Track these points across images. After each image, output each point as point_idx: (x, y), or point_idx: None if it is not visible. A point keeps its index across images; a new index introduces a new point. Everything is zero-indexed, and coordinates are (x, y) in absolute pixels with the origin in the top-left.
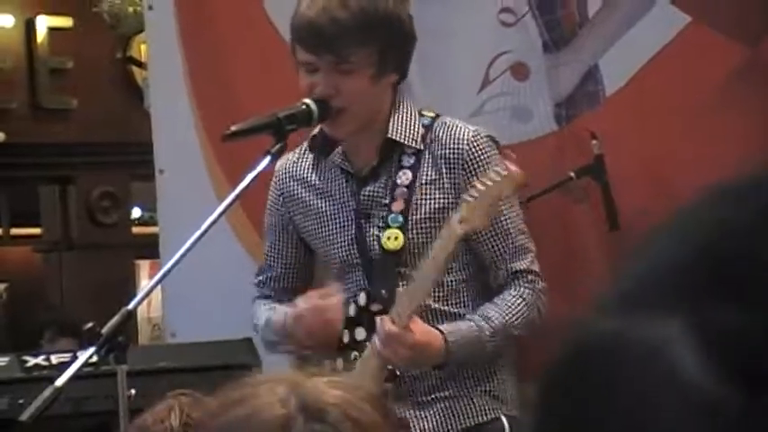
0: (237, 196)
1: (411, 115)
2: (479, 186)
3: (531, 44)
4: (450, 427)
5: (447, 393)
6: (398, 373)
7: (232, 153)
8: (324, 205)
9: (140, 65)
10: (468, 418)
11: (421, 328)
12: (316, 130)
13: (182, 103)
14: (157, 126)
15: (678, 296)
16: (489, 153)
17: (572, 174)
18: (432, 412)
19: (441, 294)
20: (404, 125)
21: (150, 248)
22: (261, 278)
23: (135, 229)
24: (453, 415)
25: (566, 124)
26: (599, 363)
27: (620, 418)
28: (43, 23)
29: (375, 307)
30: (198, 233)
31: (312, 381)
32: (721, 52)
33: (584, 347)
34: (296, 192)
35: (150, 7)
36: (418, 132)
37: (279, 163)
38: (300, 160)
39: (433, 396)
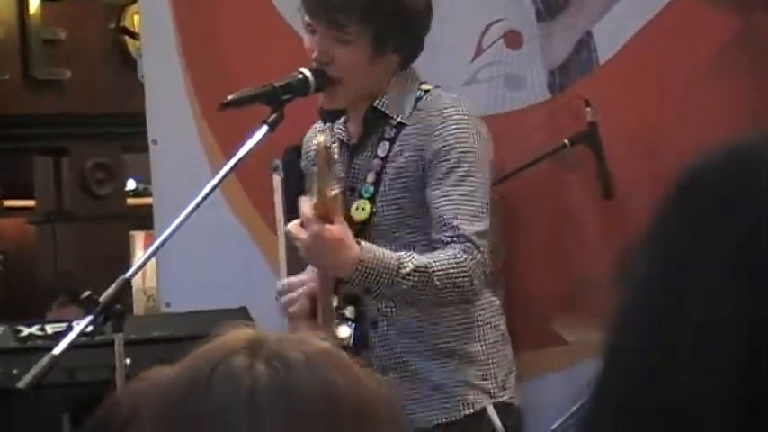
0: (234, 167)
1: (407, 90)
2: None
3: (525, 12)
4: (426, 421)
5: (416, 371)
6: (350, 342)
7: (225, 123)
8: None
9: (133, 35)
10: (446, 411)
11: (340, 225)
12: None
13: (175, 73)
14: (151, 97)
15: None
16: (456, 125)
17: (566, 141)
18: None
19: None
20: (395, 98)
21: (145, 220)
22: None
23: (129, 201)
24: (430, 408)
25: (559, 92)
26: (745, 163)
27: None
28: None
29: None
30: (194, 203)
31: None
32: (714, 21)
33: (734, 152)
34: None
35: None
36: (407, 106)
37: (305, 138)
38: (315, 130)
39: (402, 374)
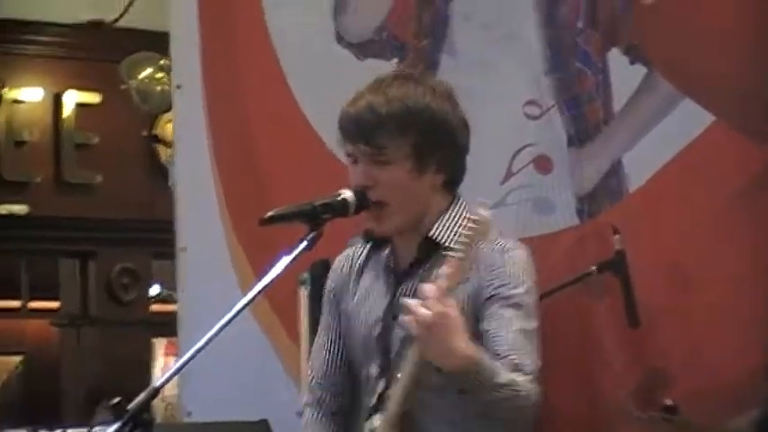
0: (270, 284)
1: (461, 219)
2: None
3: (556, 138)
4: None
5: None
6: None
7: (254, 234)
8: (366, 301)
9: (165, 143)
10: None
11: (459, 314)
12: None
13: (206, 181)
14: (181, 204)
15: None
16: (519, 264)
17: (593, 268)
18: None
19: None
20: (450, 227)
21: (167, 327)
22: (310, 397)
23: (153, 307)
24: None
25: (587, 219)
26: None
27: None
28: (71, 98)
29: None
30: (227, 318)
31: None
32: (745, 153)
33: None
34: (345, 286)
35: (179, 86)
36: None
37: (337, 259)
38: (355, 255)
39: None
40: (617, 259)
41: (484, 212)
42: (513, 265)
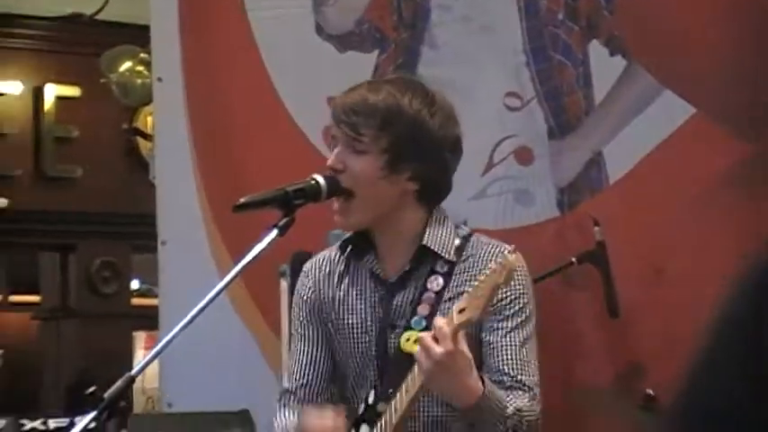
0: (243, 269)
1: (448, 229)
2: (479, 278)
3: (537, 129)
4: None
5: None
6: None
7: (235, 226)
8: (350, 309)
9: (146, 136)
10: None
11: (468, 351)
12: (348, 234)
13: (186, 174)
14: (162, 197)
15: None
16: (518, 275)
17: (573, 259)
18: None
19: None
20: (440, 236)
21: (147, 320)
22: (287, 386)
23: (133, 301)
24: None
25: (568, 210)
26: None
27: None
28: (51, 92)
29: (381, 407)
30: (201, 304)
31: None
32: (724, 145)
33: None
34: (325, 292)
35: (159, 79)
36: (453, 245)
37: (308, 264)
38: (332, 261)
39: None
40: (597, 250)
41: (510, 257)
42: (513, 277)
